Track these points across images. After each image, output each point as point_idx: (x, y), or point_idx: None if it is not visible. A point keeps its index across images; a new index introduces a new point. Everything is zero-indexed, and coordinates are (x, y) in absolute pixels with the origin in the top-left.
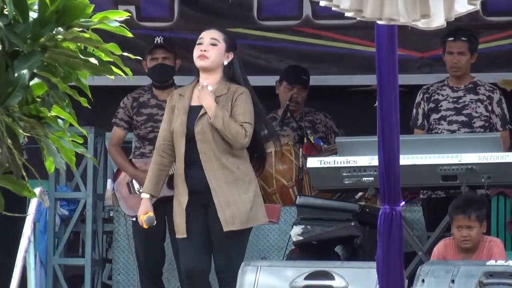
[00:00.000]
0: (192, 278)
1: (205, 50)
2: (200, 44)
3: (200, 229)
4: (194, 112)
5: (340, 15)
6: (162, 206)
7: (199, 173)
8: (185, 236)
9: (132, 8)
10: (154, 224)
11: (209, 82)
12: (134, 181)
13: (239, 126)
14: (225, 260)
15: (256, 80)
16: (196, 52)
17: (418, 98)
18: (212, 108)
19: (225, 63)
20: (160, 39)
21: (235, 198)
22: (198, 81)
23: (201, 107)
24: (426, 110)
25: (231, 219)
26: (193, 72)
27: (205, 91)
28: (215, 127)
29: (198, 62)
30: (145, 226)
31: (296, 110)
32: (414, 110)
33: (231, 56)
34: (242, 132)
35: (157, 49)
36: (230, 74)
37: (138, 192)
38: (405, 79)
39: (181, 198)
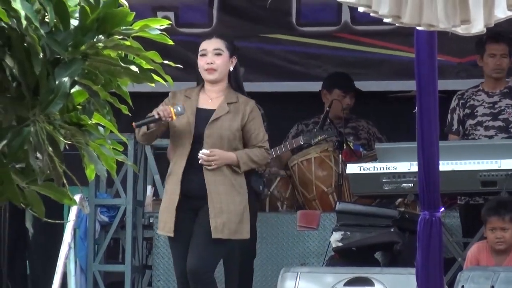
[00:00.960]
0: (192, 277)
1: (211, 63)
2: (204, 55)
3: (186, 233)
4: (201, 115)
5: (378, 21)
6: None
7: (197, 178)
8: (172, 235)
9: (171, 14)
10: (184, 112)
11: (216, 89)
12: None
13: (261, 150)
14: (201, 263)
15: (294, 86)
16: (202, 64)
17: (453, 104)
18: (235, 159)
19: (231, 69)
20: None
21: (229, 207)
22: (203, 86)
23: (208, 110)
24: (461, 115)
25: (220, 227)
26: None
27: (215, 155)
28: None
29: (207, 76)
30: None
31: (347, 118)
32: (449, 116)
33: (234, 60)
34: (265, 154)
35: None
36: (234, 78)
37: None
38: (443, 84)
39: (173, 196)
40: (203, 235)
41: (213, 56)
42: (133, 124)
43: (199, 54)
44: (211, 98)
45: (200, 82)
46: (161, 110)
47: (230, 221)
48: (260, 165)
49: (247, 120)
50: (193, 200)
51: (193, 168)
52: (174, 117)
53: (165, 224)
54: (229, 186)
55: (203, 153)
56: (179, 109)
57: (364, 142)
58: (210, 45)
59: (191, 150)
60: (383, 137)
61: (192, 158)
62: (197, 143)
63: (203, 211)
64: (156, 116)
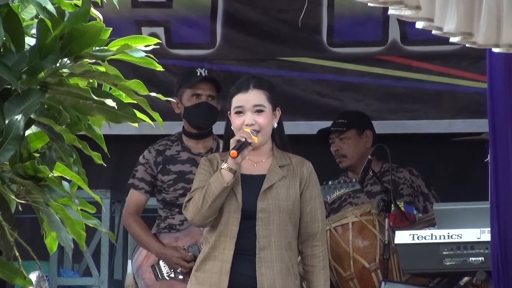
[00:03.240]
0: None
1: (252, 124)
2: (240, 113)
3: None
4: (249, 183)
5: (438, 40)
6: None
7: (249, 268)
8: None
9: (160, 30)
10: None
11: (259, 152)
12: (161, 263)
13: (323, 250)
14: None
15: (324, 127)
16: (238, 124)
17: None
18: None
19: (275, 125)
20: (205, 72)
21: None
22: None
23: (257, 176)
24: None
25: None
26: None
27: None
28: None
29: (248, 140)
30: (255, 139)
31: (351, 167)
32: None
33: (278, 113)
34: (326, 252)
35: (202, 83)
36: (278, 134)
37: (168, 278)
38: None
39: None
40: None
41: (253, 116)
42: (233, 152)
43: (232, 111)
44: (255, 162)
45: (227, 147)
46: (241, 135)
47: None
48: None
49: (305, 186)
50: None
51: (244, 255)
52: (256, 139)
53: None
54: (285, 272)
55: None
56: (254, 131)
57: (408, 200)
58: (248, 102)
59: (240, 229)
60: (431, 193)
61: (242, 241)
62: (247, 219)
63: None
64: (243, 140)
